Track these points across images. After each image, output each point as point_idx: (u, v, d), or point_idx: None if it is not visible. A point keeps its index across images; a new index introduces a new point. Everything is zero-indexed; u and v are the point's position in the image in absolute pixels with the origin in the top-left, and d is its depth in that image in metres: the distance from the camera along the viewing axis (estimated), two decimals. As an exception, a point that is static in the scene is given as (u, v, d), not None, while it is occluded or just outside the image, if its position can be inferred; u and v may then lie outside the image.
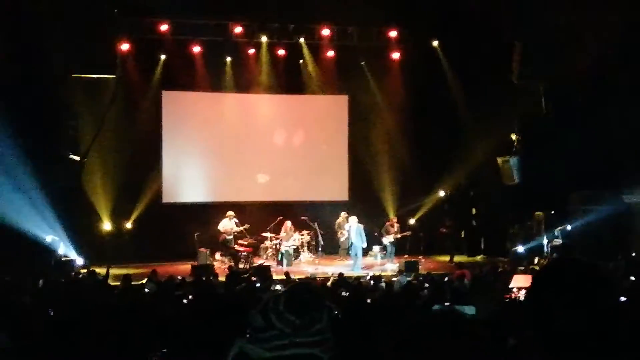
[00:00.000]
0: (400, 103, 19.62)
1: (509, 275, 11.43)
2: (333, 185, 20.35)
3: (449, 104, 18.83)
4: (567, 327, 1.75)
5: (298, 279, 13.50)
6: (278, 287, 10.78)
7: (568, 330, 1.75)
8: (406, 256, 18.01)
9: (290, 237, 17.85)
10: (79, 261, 15.96)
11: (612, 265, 12.31)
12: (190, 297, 8.98)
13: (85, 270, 14.69)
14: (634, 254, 14.84)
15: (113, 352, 4.48)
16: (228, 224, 17.50)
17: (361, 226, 17.29)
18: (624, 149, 15.64)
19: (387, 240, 17.92)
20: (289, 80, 19.81)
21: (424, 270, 15.55)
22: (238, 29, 18.51)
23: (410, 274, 14.23)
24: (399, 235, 18.10)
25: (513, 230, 18.69)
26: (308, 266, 17.26)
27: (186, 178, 19.54)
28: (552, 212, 17.74)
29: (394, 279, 13.16)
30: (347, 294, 9.71)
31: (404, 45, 19.58)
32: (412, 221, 19.50)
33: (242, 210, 18.31)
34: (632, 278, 10.03)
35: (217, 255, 17.77)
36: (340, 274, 13.12)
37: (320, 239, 18.46)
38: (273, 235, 17.97)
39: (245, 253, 17.63)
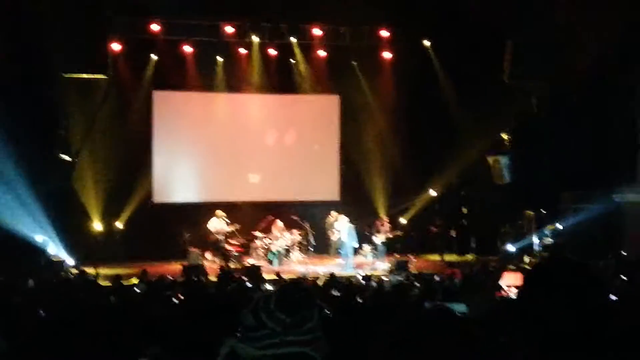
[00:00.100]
0: (391, 103, 19.62)
1: (499, 274, 11.46)
2: (324, 185, 20.31)
3: (440, 104, 18.83)
4: (558, 325, 1.75)
5: (289, 278, 13.48)
6: (269, 287, 10.77)
7: (558, 329, 1.75)
8: (397, 255, 18.02)
9: (281, 237, 17.82)
10: (70, 261, 15.88)
11: (602, 264, 12.35)
12: (181, 297, 8.95)
13: (75, 271, 14.64)
14: (624, 253, 14.89)
15: (103, 353, 4.46)
16: (218, 224, 17.46)
17: (352, 226, 17.31)
18: (614, 148, 15.72)
19: (378, 239, 17.94)
20: (280, 80, 19.77)
21: (414, 269, 15.55)
22: (230, 29, 18.49)
23: (401, 273, 14.24)
24: (390, 235, 18.12)
25: (504, 229, 18.69)
26: (299, 266, 17.22)
27: (177, 178, 19.48)
28: (543, 211, 17.79)
29: (384, 278, 13.16)
30: (338, 293, 9.70)
31: (395, 45, 19.56)
32: (403, 221, 19.51)
33: (233, 210, 18.27)
34: (623, 277, 10.07)
35: (208, 255, 17.73)
36: (332, 274, 13.11)
37: (311, 238, 18.45)
38: (264, 235, 17.95)
39: (236, 253, 17.61)
